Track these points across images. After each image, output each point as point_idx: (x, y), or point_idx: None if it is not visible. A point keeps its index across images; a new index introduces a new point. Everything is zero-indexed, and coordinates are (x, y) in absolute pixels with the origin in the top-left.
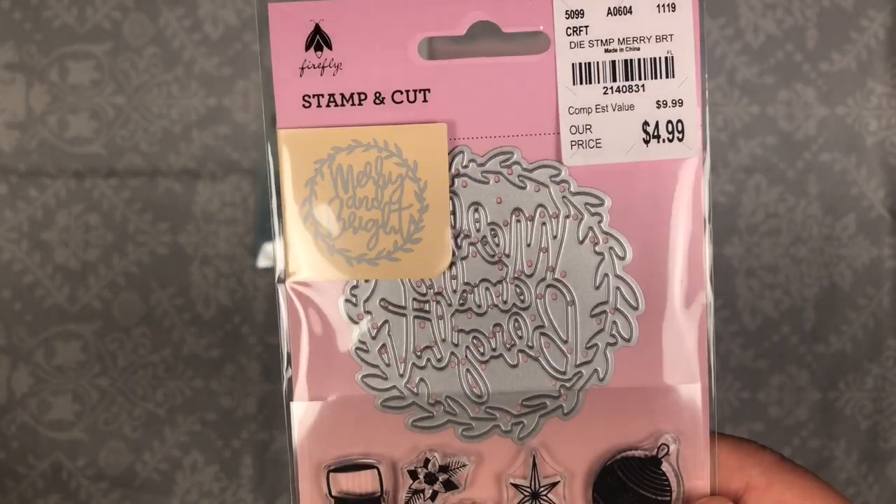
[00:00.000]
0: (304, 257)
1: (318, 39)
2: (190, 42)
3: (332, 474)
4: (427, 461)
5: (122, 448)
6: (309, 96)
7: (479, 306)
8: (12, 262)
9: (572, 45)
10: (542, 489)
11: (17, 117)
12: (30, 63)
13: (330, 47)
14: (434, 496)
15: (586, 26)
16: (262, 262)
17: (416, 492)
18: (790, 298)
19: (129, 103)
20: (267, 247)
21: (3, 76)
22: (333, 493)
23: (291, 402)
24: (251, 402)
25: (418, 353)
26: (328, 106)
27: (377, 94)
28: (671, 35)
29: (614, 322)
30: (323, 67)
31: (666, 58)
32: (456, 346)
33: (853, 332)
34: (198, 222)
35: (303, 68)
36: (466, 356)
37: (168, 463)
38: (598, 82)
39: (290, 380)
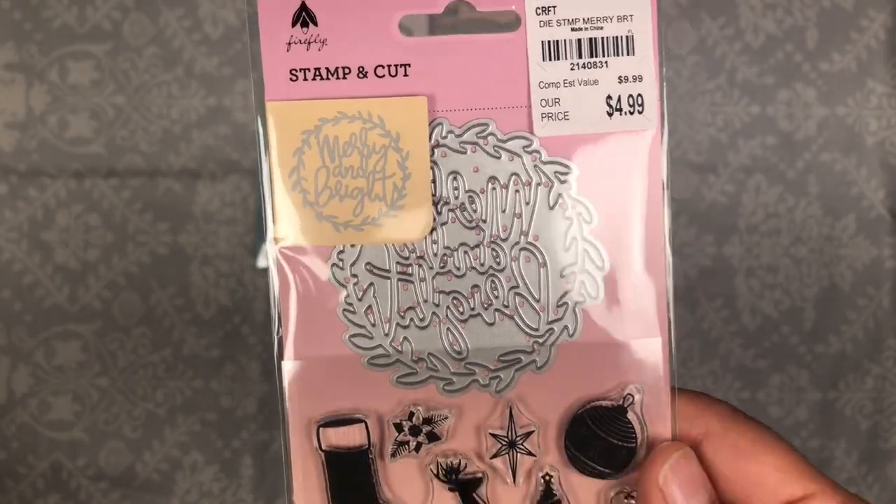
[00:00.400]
0: (292, 224)
1: (304, 16)
2: (190, 42)
3: (321, 429)
4: (411, 415)
5: (122, 448)
6: (296, 70)
7: (459, 269)
8: (12, 261)
9: (541, 24)
10: (518, 438)
11: (18, 117)
12: (30, 63)
13: (315, 24)
14: (418, 447)
15: (554, 6)
16: (263, 262)
17: (402, 443)
18: (790, 298)
19: (129, 103)
20: (267, 247)
21: (3, 76)
22: (323, 447)
23: (282, 361)
24: (251, 402)
25: (402, 314)
26: (314, 79)
27: (360, 69)
28: (631, 15)
29: (582, 282)
30: (309, 43)
31: (627, 36)
32: (437, 306)
33: (853, 332)
34: (198, 222)
35: (290, 43)
36: (447, 316)
37: (168, 463)
38: (566, 59)
39: (280, 339)
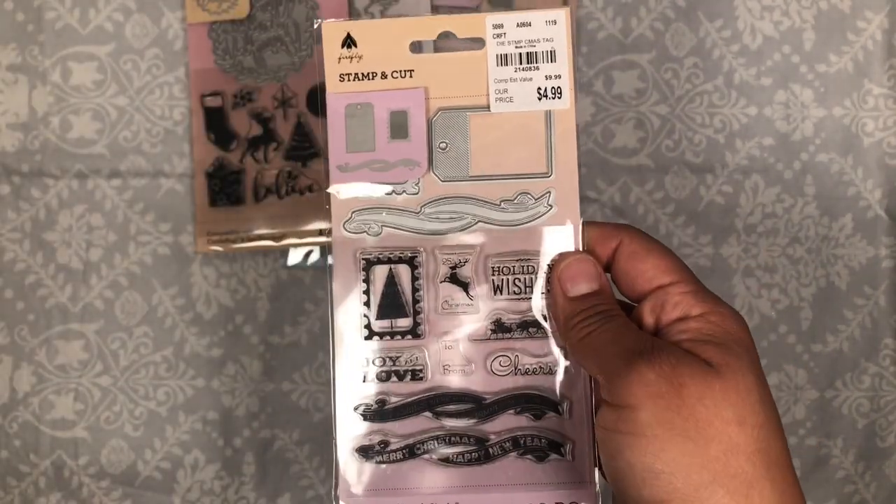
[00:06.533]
0: None
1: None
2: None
3: None
4: None
5: (123, 447)
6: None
7: None
8: (15, 261)
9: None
10: None
11: (21, 118)
12: (32, 64)
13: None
14: None
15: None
16: (292, 260)
17: None
18: (788, 298)
19: (131, 104)
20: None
21: (7, 77)
22: None
23: None
24: (253, 400)
25: None
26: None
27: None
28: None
29: None
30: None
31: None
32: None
33: (850, 331)
34: None
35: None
36: None
37: (169, 461)
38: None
39: None
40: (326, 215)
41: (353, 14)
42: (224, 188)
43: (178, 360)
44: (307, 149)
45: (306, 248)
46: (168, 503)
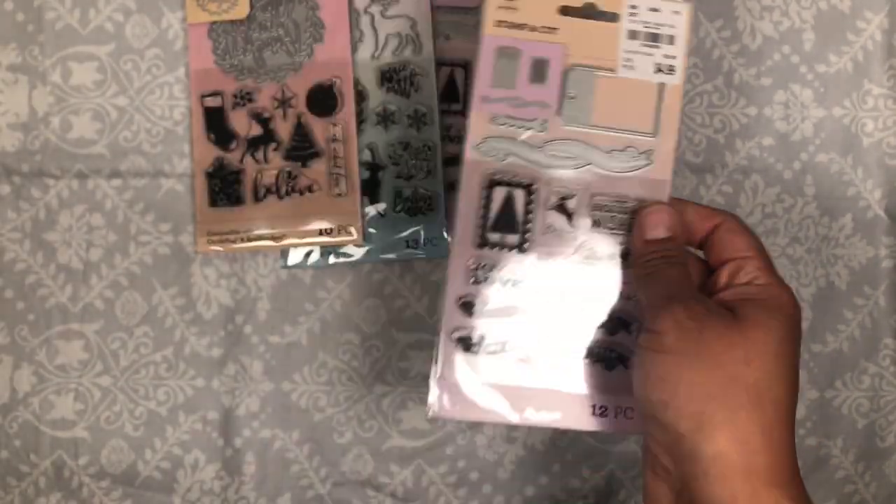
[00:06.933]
0: None
1: None
2: None
3: None
4: None
5: (123, 447)
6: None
7: None
8: (15, 261)
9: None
10: None
11: (21, 118)
12: (33, 64)
13: None
14: None
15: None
16: (292, 260)
17: None
18: None
19: (131, 104)
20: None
21: (7, 77)
22: None
23: None
24: (253, 400)
25: None
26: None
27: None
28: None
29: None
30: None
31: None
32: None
33: (850, 331)
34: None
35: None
36: None
37: (169, 461)
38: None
39: None
40: (461, 140)
41: (352, 13)
42: (224, 188)
43: (178, 360)
44: (307, 149)
45: (306, 248)
46: (168, 503)
